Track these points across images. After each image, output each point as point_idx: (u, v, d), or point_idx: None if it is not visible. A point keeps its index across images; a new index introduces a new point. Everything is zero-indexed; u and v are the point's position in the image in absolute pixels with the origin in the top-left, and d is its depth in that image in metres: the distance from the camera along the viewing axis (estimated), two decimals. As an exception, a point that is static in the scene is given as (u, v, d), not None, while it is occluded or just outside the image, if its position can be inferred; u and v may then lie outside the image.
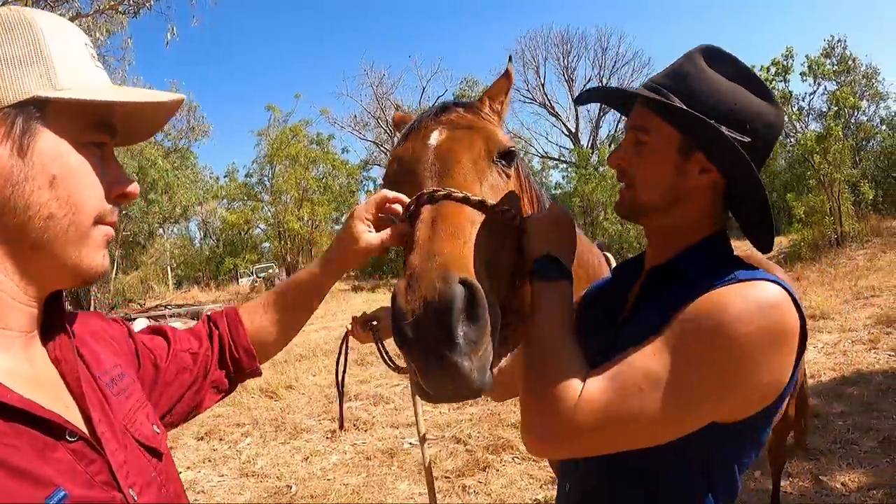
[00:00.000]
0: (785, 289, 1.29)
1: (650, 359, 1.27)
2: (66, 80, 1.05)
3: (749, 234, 1.54)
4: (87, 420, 1.07)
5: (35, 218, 1.02)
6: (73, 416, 1.05)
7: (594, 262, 2.24)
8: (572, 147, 41.37)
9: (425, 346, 1.26)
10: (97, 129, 1.10)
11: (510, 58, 1.97)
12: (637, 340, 1.32)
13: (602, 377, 1.29)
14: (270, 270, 39.13)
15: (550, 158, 45.01)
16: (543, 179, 43.84)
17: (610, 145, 38.13)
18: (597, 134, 44.80)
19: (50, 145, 1.03)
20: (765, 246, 1.51)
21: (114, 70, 23.45)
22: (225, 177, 43.21)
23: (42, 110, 1.02)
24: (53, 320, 1.15)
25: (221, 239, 43.84)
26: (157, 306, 28.68)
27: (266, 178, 38.25)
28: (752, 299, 1.26)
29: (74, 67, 1.08)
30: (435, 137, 1.73)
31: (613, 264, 2.25)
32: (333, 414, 8.57)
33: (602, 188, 27.29)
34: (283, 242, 35.61)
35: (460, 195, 1.54)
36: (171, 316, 25.11)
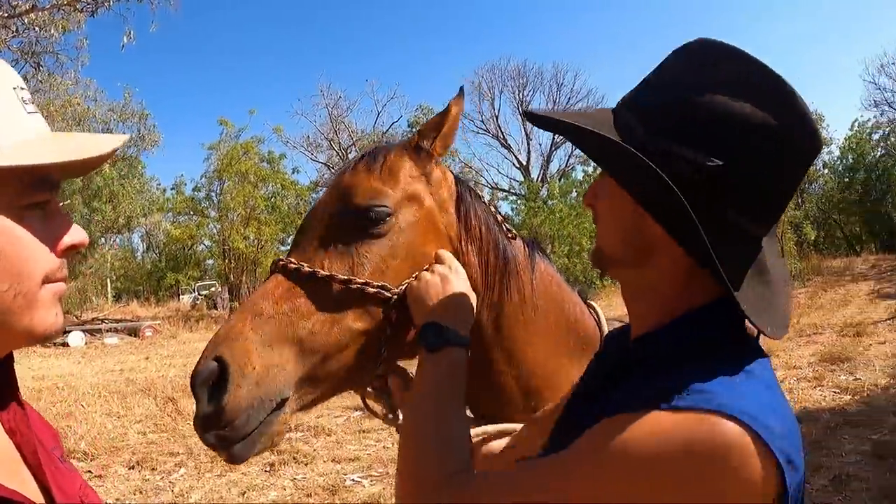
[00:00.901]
0: (753, 432, 0.90)
1: (542, 476, 1.03)
2: None
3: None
4: (46, 492, 1.03)
5: None
6: (32, 490, 1.01)
7: (576, 314, 1.87)
8: (522, 179, 41.86)
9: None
10: (36, 188, 0.98)
11: (461, 90, 1.76)
12: (566, 442, 1.07)
13: (490, 477, 1.19)
14: (213, 289, 38.39)
15: (500, 190, 45.28)
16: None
17: (560, 179, 38.57)
18: (547, 167, 45.43)
19: None
20: (768, 328, 1.05)
21: (66, 71, 23.03)
22: (172, 189, 42.30)
23: None
24: (4, 389, 1.10)
25: (164, 253, 42.88)
26: (93, 319, 27.99)
27: (214, 194, 37.49)
28: (677, 444, 0.91)
29: (2, 122, 0.95)
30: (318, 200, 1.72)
31: (602, 316, 1.93)
32: (271, 446, 8.32)
33: (550, 221, 27.50)
34: (227, 261, 34.87)
35: (293, 267, 1.51)
36: (107, 331, 24.50)
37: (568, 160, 44.47)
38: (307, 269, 1.49)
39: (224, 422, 1.35)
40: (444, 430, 1.26)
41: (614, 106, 1.20)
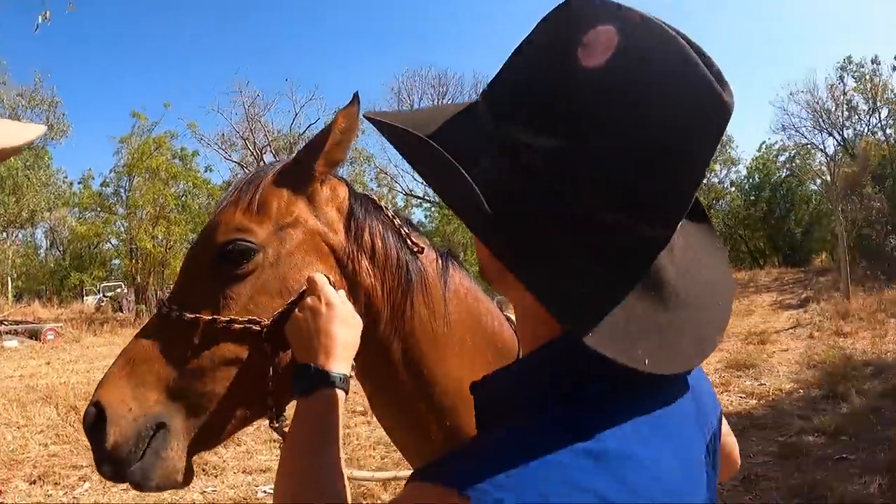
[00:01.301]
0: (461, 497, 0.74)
1: None
2: None
3: None
4: None
5: None
6: None
7: (494, 327, 1.76)
8: (438, 186, 41.71)
9: None
10: None
11: (354, 97, 1.55)
12: None
13: None
14: (119, 290, 36.88)
15: (415, 196, 45.17)
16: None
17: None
18: (461, 175, 45.30)
19: None
20: (646, 361, 0.80)
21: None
22: (79, 183, 41.09)
23: None
24: None
25: (69, 251, 41.46)
26: (-9, 320, 26.59)
27: (123, 190, 36.47)
28: None
29: None
30: None
31: None
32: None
33: (463, 229, 27.55)
34: (134, 261, 33.97)
35: (164, 311, 1.49)
36: (6, 333, 23.31)
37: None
38: (176, 313, 1.46)
39: (112, 457, 1.38)
40: (312, 476, 1.23)
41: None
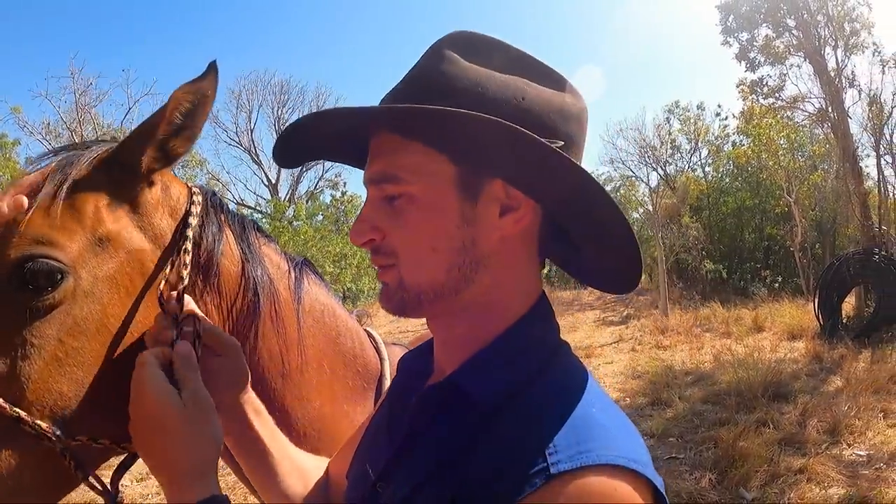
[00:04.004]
0: (640, 475, 0.81)
1: None
2: None
3: (594, 277, 1.10)
4: None
5: None
6: None
7: (355, 348, 1.60)
8: (270, 198, 40.52)
9: None
10: None
11: (210, 66, 1.15)
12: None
13: None
14: None
15: (246, 206, 43.49)
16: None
17: (307, 201, 37.89)
18: (296, 188, 44.22)
19: None
20: (629, 284, 1.04)
21: None
22: None
23: None
24: None
25: None
26: None
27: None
28: None
29: None
30: None
31: (381, 345, 1.69)
32: None
33: (295, 243, 26.99)
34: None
35: None
36: None
37: (317, 182, 43.67)
38: None
39: None
40: None
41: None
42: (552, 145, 0.87)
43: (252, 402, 1.24)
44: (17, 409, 0.99)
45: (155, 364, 1.05)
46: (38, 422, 1.00)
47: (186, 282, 1.19)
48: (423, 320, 1.04)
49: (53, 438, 1.02)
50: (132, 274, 1.15)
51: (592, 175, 0.90)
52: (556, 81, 0.98)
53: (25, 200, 1.05)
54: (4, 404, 0.97)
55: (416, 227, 0.94)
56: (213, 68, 1.14)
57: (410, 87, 0.96)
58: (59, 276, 1.04)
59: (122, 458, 1.18)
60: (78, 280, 1.07)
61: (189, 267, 1.21)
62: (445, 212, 0.93)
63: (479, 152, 0.91)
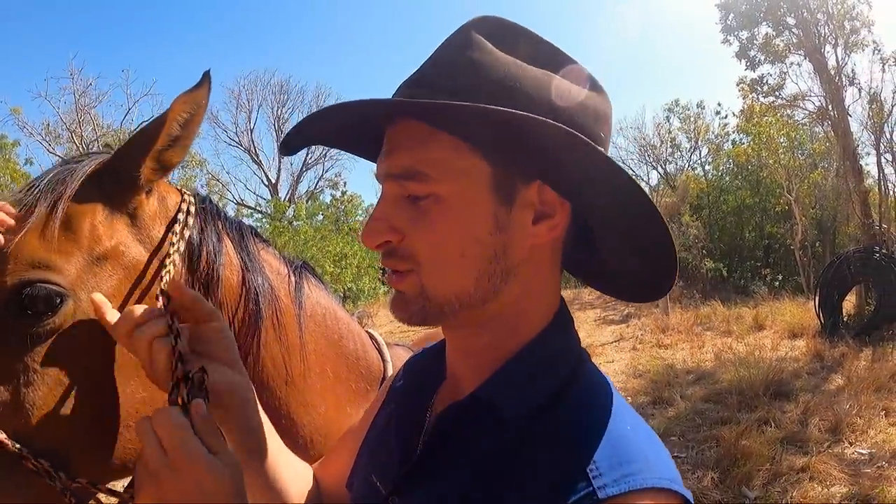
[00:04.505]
0: (680, 495, 0.81)
1: None
2: None
3: (615, 285, 1.06)
4: None
5: None
6: None
7: (358, 351, 1.58)
8: (270, 198, 40.40)
9: None
10: None
11: (204, 76, 1.13)
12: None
13: None
14: None
15: (246, 206, 43.31)
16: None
17: (307, 201, 37.76)
18: (296, 188, 44.12)
19: None
20: (664, 289, 0.97)
21: None
22: None
23: None
24: None
25: None
26: None
27: (-82, 181, 32.71)
28: None
29: None
30: None
31: (384, 346, 1.68)
32: None
33: (294, 243, 26.88)
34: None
35: None
36: None
37: (317, 182, 43.54)
38: None
39: None
40: None
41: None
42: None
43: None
44: (20, 444, 0.97)
45: (188, 427, 0.88)
46: (42, 460, 0.99)
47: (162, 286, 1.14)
48: None
49: (55, 475, 1.00)
50: (133, 290, 1.13)
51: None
52: (585, 79, 0.93)
53: (12, 222, 1.04)
54: (7, 440, 0.96)
55: (444, 231, 0.87)
56: (206, 78, 1.13)
57: (437, 73, 0.89)
58: (59, 300, 1.03)
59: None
60: (78, 302, 1.05)
61: (192, 280, 1.21)
62: (479, 216, 0.86)
63: (523, 154, 0.85)
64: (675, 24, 61.72)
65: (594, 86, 0.93)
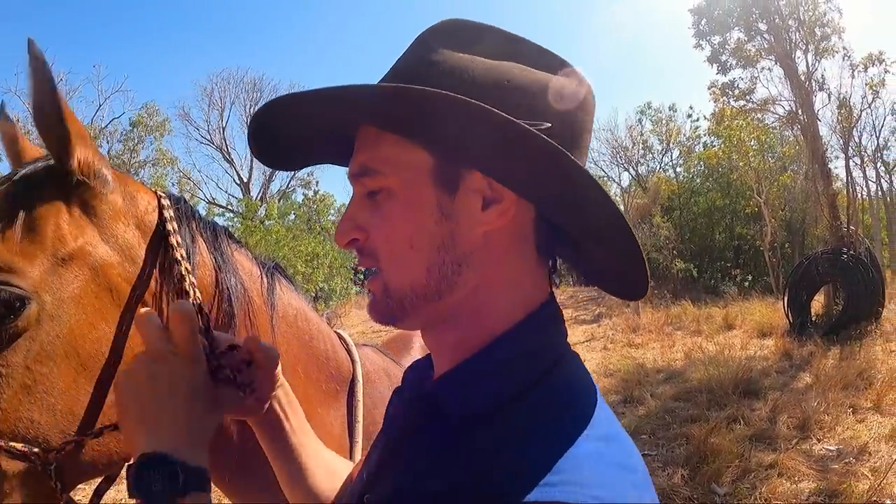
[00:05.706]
0: None
1: None
2: None
3: (598, 277, 1.02)
4: None
5: None
6: None
7: (327, 351, 1.60)
8: (242, 197, 40.11)
9: None
10: None
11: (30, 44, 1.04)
12: None
13: None
14: None
15: (217, 205, 42.98)
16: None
17: (279, 200, 37.57)
18: (268, 187, 43.80)
19: None
20: (638, 290, 0.96)
21: None
22: None
23: None
24: None
25: None
26: None
27: None
28: None
29: None
30: None
31: (353, 347, 1.72)
32: None
33: (266, 242, 26.75)
34: None
35: None
36: None
37: (289, 181, 43.29)
38: None
39: None
40: None
41: None
42: (535, 128, 0.78)
43: (285, 393, 1.20)
44: None
45: (157, 321, 0.99)
46: (13, 444, 0.98)
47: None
48: None
49: (31, 456, 1.00)
50: (98, 292, 1.11)
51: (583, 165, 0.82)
52: (552, 64, 0.90)
53: None
54: None
55: (395, 223, 0.88)
56: (31, 47, 1.06)
57: (394, 79, 0.89)
58: (19, 304, 1.02)
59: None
60: (42, 304, 1.04)
61: (162, 284, 1.19)
62: (423, 206, 0.86)
63: (450, 137, 0.83)
64: (648, 28, 62.37)
65: (561, 69, 0.91)
